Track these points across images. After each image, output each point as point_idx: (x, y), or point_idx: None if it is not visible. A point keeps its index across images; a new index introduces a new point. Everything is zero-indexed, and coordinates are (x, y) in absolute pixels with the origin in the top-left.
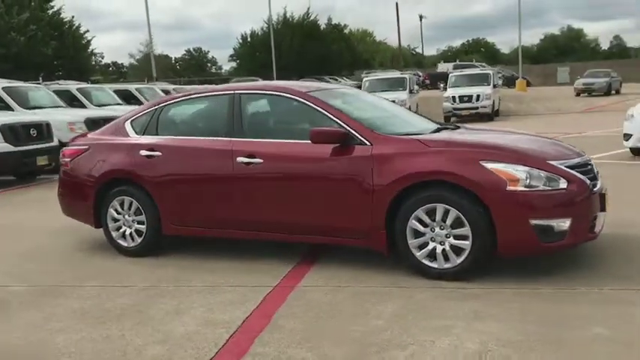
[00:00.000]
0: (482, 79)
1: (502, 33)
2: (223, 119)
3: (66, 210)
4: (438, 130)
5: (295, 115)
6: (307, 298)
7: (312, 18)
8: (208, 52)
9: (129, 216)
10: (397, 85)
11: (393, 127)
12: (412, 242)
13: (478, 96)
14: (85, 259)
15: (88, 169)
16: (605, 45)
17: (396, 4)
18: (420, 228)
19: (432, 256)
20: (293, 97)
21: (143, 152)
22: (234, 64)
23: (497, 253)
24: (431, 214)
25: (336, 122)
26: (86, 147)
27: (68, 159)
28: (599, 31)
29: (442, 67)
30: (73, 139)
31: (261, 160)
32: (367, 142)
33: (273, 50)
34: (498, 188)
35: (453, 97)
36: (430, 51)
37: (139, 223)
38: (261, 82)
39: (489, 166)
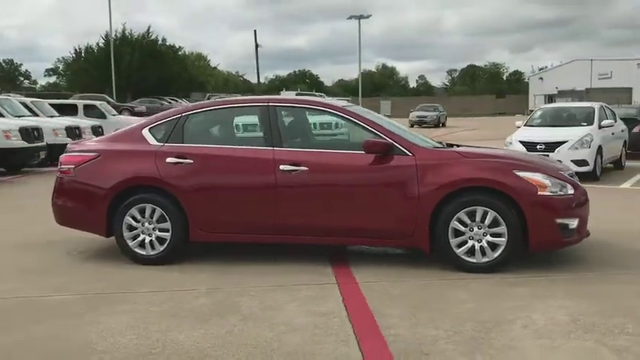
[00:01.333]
0: None
1: (320, 66)
2: (259, 129)
3: (65, 219)
4: (444, 146)
5: (331, 129)
6: (380, 290)
7: (152, 37)
8: (21, 64)
9: (149, 224)
10: None
11: (416, 139)
12: (453, 241)
13: None
14: (100, 268)
15: (100, 177)
16: (412, 83)
17: (254, 31)
18: (461, 228)
19: (470, 252)
20: (332, 111)
21: (170, 159)
22: (52, 79)
23: (528, 248)
24: (469, 215)
25: (377, 134)
26: (95, 154)
27: (71, 166)
28: (407, 70)
29: (285, 94)
30: (71, 145)
31: (306, 168)
32: (408, 153)
33: (113, 67)
34: (531, 193)
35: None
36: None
37: (162, 230)
38: (293, 96)
39: (521, 174)
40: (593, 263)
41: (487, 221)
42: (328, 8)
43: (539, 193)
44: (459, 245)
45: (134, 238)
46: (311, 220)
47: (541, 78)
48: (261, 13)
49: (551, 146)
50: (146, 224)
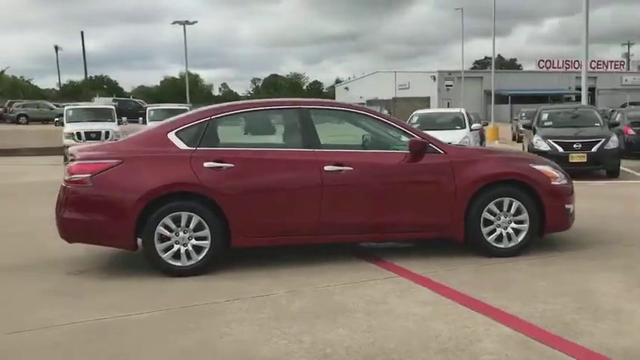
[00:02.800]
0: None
1: (117, 72)
2: (295, 131)
3: (77, 234)
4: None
5: (364, 130)
6: (449, 278)
7: None
8: None
9: (184, 232)
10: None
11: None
12: (484, 230)
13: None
14: (129, 284)
15: (127, 185)
16: (215, 91)
17: (82, 32)
18: (491, 217)
19: (498, 239)
20: (367, 114)
21: (209, 164)
22: None
23: (543, 232)
24: (497, 205)
25: (412, 135)
26: (117, 160)
27: (86, 175)
28: (208, 78)
29: (99, 101)
30: (77, 152)
31: (350, 168)
32: (441, 151)
33: None
34: (547, 183)
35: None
36: (48, 84)
37: (198, 239)
38: (326, 100)
39: (537, 167)
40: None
41: (512, 210)
42: (121, 13)
43: (552, 183)
44: (489, 233)
45: (167, 249)
46: (355, 219)
47: (346, 88)
48: (48, 15)
49: None
50: (180, 233)
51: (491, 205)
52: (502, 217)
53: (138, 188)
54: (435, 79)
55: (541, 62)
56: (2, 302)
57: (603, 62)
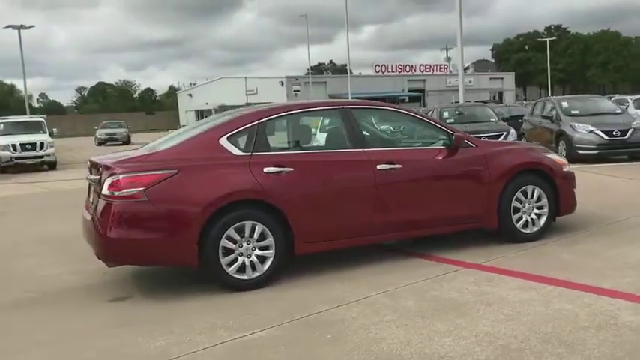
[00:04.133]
0: (37, 127)
1: None
2: (343, 132)
3: (129, 255)
4: None
5: (403, 127)
6: (520, 264)
7: None
8: None
9: (248, 243)
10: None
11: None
12: (514, 217)
13: (42, 144)
14: (188, 303)
15: (187, 197)
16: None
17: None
18: (518, 205)
19: (524, 225)
20: (403, 111)
21: (269, 169)
22: None
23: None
24: (523, 193)
25: (446, 131)
26: (173, 170)
27: (139, 188)
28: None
29: None
30: (116, 164)
31: (400, 166)
32: (473, 145)
33: None
34: (560, 170)
35: (14, 146)
36: None
37: (262, 248)
38: (364, 100)
39: (550, 156)
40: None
41: (535, 197)
42: None
43: (564, 170)
44: (517, 220)
45: (231, 262)
46: (407, 216)
47: (190, 94)
48: None
49: None
50: (244, 244)
51: (519, 194)
52: (527, 205)
53: (200, 199)
54: (283, 84)
55: (377, 67)
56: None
57: (430, 66)
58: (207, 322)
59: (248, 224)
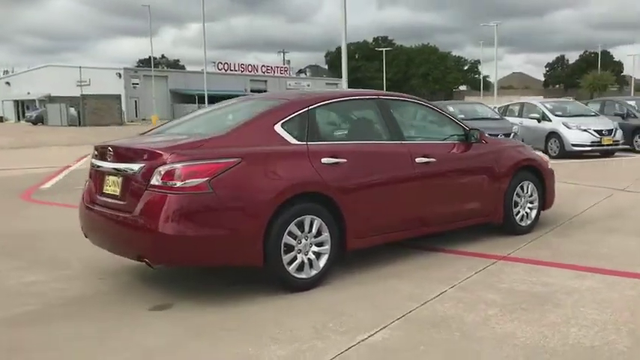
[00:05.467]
0: None
1: None
2: (382, 123)
3: (192, 255)
4: None
5: (428, 120)
6: (548, 255)
7: None
8: None
9: (306, 239)
10: None
11: None
12: (514, 210)
13: None
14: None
15: (252, 189)
16: None
17: None
18: (517, 199)
19: (521, 219)
20: (427, 105)
21: (326, 160)
22: None
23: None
24: (521, 189)
25: (462, 127)
26: (236, 159)
27: (204, 179)
28: None
29: None
30: (176, 150)
31: (434, 159)
32: (484, 141)
33: None
34: (547, 167)
35: None
36: None
37: (318, 245)
38: (390, 92)
39: (538, 153)
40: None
41: (529, 192)
42: None
43: (549, 166)
44: (516, 214)
45: (291, 261)
46: (439, 210)
47: (8, 83)
48: None
49: None
50: (303, 241)
51: (518, 189)
52: (523, 199)
53: (267, 191)
54: (120, 76)
55: (220, 64)
56: None
57: (272, 67)
58: (305, 327)
59: (307, 219)
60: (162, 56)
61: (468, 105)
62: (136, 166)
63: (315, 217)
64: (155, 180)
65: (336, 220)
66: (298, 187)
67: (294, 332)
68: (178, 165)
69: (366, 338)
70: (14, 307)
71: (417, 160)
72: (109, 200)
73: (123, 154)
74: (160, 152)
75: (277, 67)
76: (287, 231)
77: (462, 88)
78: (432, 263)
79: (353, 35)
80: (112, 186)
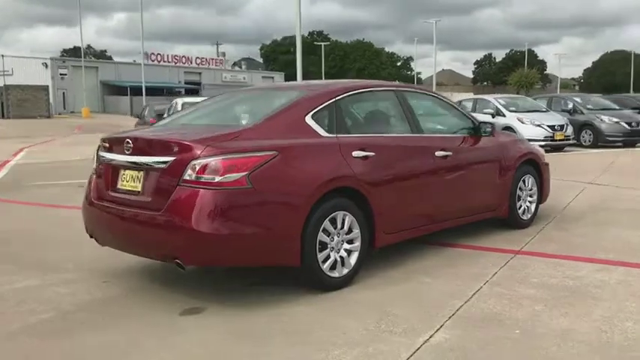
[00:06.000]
0: None
1: None
2: (400, 115)
3: (233, 255)
4: None
5: (441, 113)
6: (562, 247)
7: None
8: None
9: (338, 236)
10: None
11: None
12: (517, 204)
13: None
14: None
15: (289, 184)
16: None
17: None
18: (520, 193)
19: (523, 212)
20: (438, 97)
21: (356, 153)
22: None
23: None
24: (523, 182)
25: (472, 120)
26: (273, 152)
27: (243, 173)
28: None
29: None
30: (212, 142)
31: (451, 153)
32: (493, 135)
33: None
34: (544, 160)
35: None
36: None
37: (349, 242)
38: (404, 83)
39: (536, 146)
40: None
41: (529, 186)
42: None
43: (545, 160)
44: (519, 208)
45: (325, 259)
46: (455, 204)
47: None
48: None
49: None
50: (335, 238)
51: (520, 183)
52: (524, 193)
53: (304, 186)
54: (47, 66)
55: (152, 55)
56: None
57: (207, 59)
58: (357, 328)
59: (340, 215)
60: (89, 46)
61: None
62: (163, 160)
63: (346, 213)
64: (188, 175)
65: (365, 217)
66: (333, 181)
67: (348, 334)
68: (217, 158)
69: (428, 339)
70: (26, 316)
71: (437, 153)
72: (127, 197)
73: (145, 146)
74: (194, 144)
75: (212, 59)
76: (322, 228)
77: (396, 84)
78: (453, 259)
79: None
80: (130, 181)
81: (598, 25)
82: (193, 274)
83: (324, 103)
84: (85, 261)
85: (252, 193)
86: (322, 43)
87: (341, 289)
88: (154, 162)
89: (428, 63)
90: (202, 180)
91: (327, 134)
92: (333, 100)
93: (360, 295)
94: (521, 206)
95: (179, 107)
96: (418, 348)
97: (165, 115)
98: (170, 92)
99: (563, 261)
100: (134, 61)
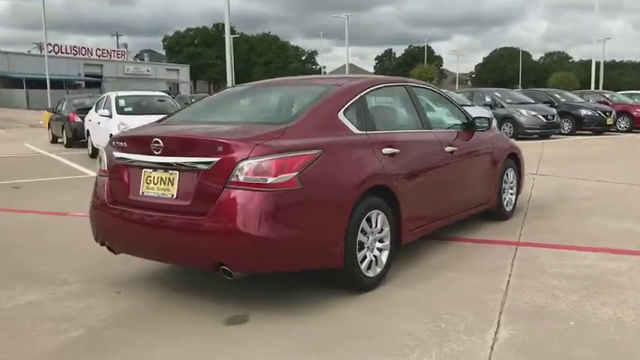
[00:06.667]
0: None
1: None
2: (414, 111)
3: (286, 259)
4: None
5: (442, 108)
6: (548, 239)
7: None
8: None
9: (372, 235)
10: None
11: None
12: (502, 197)
13: None
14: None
15: (336, 182)
16: None
17: None
18: (504, 185)
19: (507, 204)
20: (440, 93)
21: (387, 150)
22: None
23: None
24: (506, 175)
25: (465, 114)
26: (318, 151)
27: (294, 173)
28: None
29: None
30: (260, 140)
31: (456, 148)
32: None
33: None
34: (521, 154)
35: None
36: None
37: (379, 241)
38: (410, 79)
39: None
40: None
41: (511, 179)
42: None
43: (521, 154)
44: (503, 200)
45: (362, 259)
46: (463, 197)
47: None
48: None
49: None
50: (370, 237)
51: (505, 176)
52: (507, 185)
53: (348, 185)
54: None
55: (49, 46)
56: None
57: (108, 51)
58: (421, 329)
59: (374, 213)
60: None
61: None
62: (206, 161)
63: (379, 211)
64: (236, 176)
65: (393, 214)
66: (370, 179)
67: (414, 336)
68: (268, 158)
69: (495, 337)
70: (52, 336)
71: (446, 149)
72: (156, 200)
73: (180, 146)
74: (242, 144)
75: (114, 51)
76: (360, 228)
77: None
78: (461, 253)
79: (187, 20)
80: (160, 184)
81: (485, 23)
82: (214, 280)
83: (352, 98)
84: (77, 271)
85: (303, 193)
86: (231, 36)
87: (374, 289)
88: (193, 163)
89: (329, 57)
90: (253, 181)
91: (358, 131)
92: (359, 95)
93: (397, 295)
94: (505, 198)
95: (113, 102)
96: (492, 346)
97: (99, 112)
98: (70, 85)
99: (564, 251)
100: (29, 51)
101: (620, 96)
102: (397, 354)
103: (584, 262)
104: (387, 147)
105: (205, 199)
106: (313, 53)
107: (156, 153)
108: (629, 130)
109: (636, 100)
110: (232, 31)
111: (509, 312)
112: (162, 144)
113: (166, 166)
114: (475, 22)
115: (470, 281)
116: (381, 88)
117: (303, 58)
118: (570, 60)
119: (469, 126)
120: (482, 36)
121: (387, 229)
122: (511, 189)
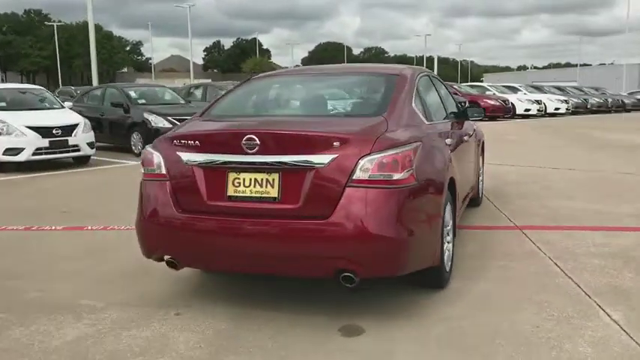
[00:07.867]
0: None
1: None
2: (438, 100)
3: (413, 260)
4: None
5: (442, 97)
6: (539, 221)
7: None
8: None
9: (446, 227)
10: None
11: None
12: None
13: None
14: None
15: (435, 176)
16: None
17: None
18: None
19: (480, 191)
20: (442, 82)
21: (447, 141)
22: None
23: None
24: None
25: (459, 105)
26: (419, 143)
27: (412, 168)
28: None
29: None
30: (376, 133)
31: (467, 137)
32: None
33: None
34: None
35: None
36: None
37: (448, 234)
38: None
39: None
40: None
41: (481, 166)
42: None
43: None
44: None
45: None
46: (469, 185)
47: None
48: None
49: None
50: (445, 230)
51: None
52: (481, 171)
53: (441, 179)
54: None
55: None
56: None
57: None
58: (537, 319)
59: (449, 207)
60: None
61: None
62: (321, 158)
63: (449, 203)
64: (359, 173)
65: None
66: (449, 172)
67: (543, 327)
68: (391, 152)
69: (610, 318)
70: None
71: (447, 141)
72: (250, 206)
73: (284, 143)
74: (361, 138)
75: None
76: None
77: (124, 70)
78: (477, 240)
79: None
80: (254, 186)
81: (303, 18)
82: (262, 286)
83: (414, 88)
84: (103, 294)
85: (418, 189)
86: (55, 24)
87: (449, 284)
88: (304, 162)
89: (148, 48)
90: (379, 178)
91: (427, 121)
92: (416, 85)
93: (476, 288)
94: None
95: None
96: (622, 327)
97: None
98: None
99: (569, 232)
100: None
101: (466, 87)
102: (551, 346)
103: (595, 241)
104: (448, 138)
105: (322, 201)
106: (138, 44)
107: (249, 152)
108: (480, 120)
109: (481, 92)
110: (47, 19)
111: (597, 294)
112: (258, 141)
113: (265, 166)
114: (293, 17)
115: (523, 268)
116: (422, 77)
117: (128, 48)
118: (386, 55)
119: (463, 115)
120: (300, 30)
121: (451, 222)
122: (479, 176)
